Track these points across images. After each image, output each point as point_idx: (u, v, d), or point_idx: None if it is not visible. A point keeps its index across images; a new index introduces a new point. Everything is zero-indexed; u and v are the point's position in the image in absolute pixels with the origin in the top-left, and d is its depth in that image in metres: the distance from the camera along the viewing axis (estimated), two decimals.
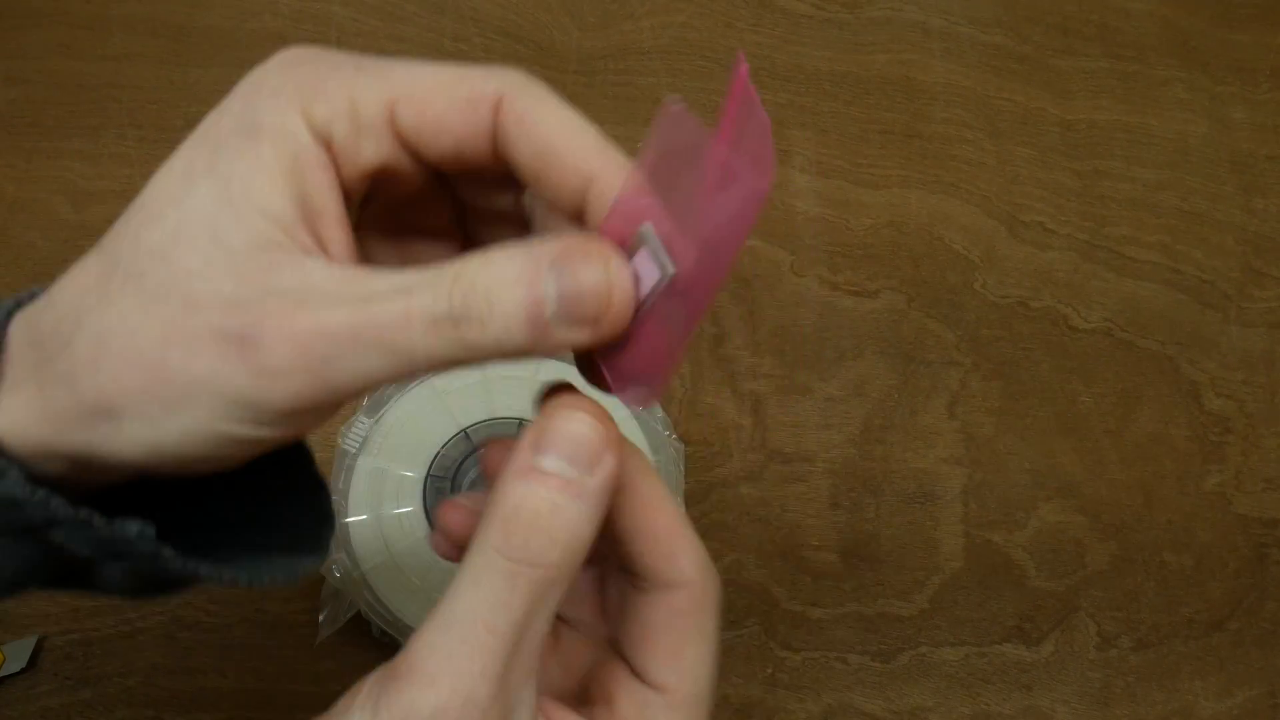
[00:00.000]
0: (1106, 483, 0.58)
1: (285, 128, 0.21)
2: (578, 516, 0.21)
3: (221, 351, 0.20)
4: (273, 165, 0.21)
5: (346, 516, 0.51)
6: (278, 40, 0.67)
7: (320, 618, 0.49)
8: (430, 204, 0.26)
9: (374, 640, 0.49)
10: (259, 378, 0.20)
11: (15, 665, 0.48)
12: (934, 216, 0.65)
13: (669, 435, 0.55)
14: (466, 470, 0.53)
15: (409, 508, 0.51)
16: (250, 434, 0.21)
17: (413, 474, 0.52)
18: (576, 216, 0.23)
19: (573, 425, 0.21)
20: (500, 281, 0.20)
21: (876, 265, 0.63)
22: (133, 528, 0.22)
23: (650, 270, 0.21)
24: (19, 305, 0.23)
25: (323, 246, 0.21)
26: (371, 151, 0.22)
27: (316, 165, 0.21)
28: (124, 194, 0.61)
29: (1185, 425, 0.60)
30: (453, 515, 0.26)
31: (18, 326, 0.22)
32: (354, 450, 0.52)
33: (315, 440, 0.55)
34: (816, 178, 0.66)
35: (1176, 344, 0.62)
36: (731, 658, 0.52)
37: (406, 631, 0.48)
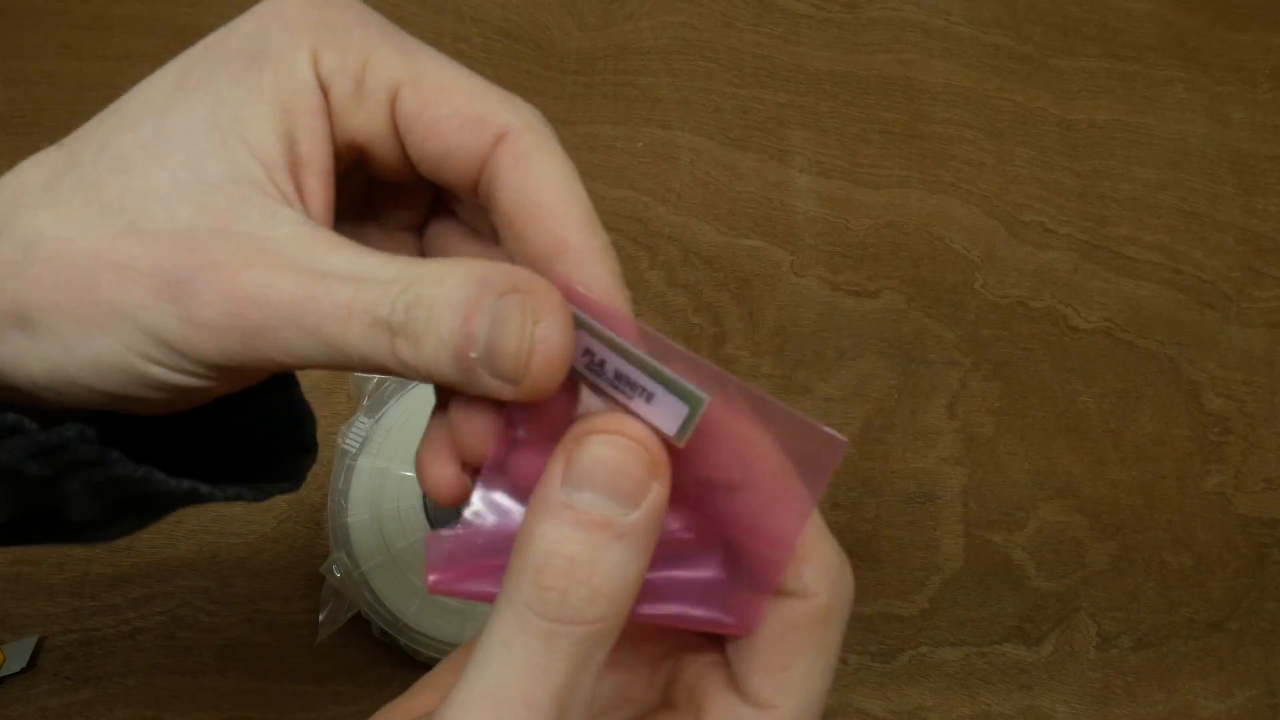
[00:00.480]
0: (1106, 483, 0.58)
1: (291, 62, 0.19)
2: (623, 561, 0.17)
3: (155, 288, 0.18)
4: (271, 98, 0.19)
5: (346, 516, 0.51)
6: None
7: (320, 618, 0.49)
8: (400, 198, 0.24)
9: (374, 640, 0.49)
10: (186, 326, 0.18)
11: (15, 665, 0.48)
12: (934, 216, 0.65)
13: None
14: None
15: (409, 508, 0.51)
16: (166, 379, 0.19)
17: (412, 474, 0.52)
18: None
19: (610, 451, 0.18)
20: (444, 304, 0.18)
21: (876, 265, 0.63)
22: (70, 429, 0.20)
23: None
24: None
25: (302, 198, 0.20)
26: (361, 121, 0.20)
27: (314, 111, 0.20)
28: None
29: (1185, 425, 0.60)
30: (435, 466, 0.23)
31: None
32: (354, 450, 0.52)
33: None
34: (816, 178, 0.66)
35: (1176, 344, 0.62)
36: None
37: (406, 632, 0.48)
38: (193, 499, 0.23)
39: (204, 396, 0.21)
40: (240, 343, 0.18)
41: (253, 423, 0.25)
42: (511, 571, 0.18)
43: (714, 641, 0.22)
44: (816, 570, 0.20)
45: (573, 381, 0.19)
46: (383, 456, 0.52)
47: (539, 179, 0.20)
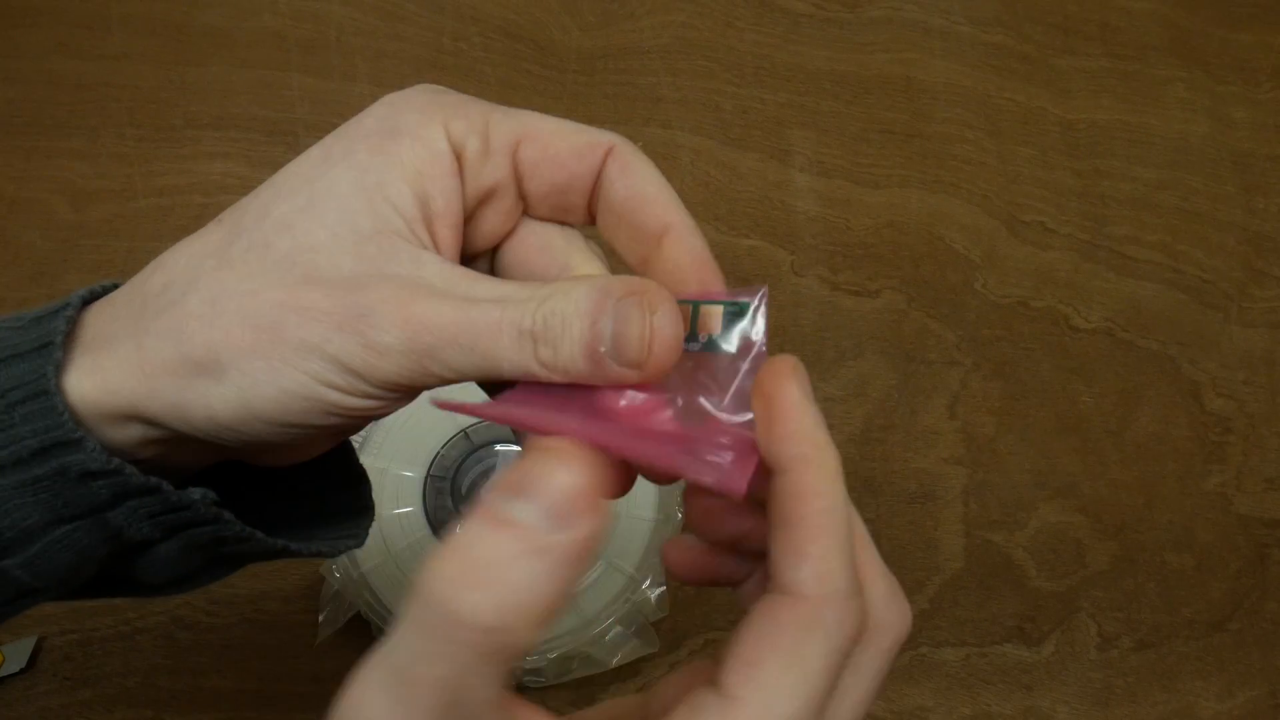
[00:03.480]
0: (1107, 483, 0.58)
1: (426, 134, 0.23)
2: (533, 578, 0.17)
3: (338, 324, 0.22)
4: (408, 164, 0.23)
5: None
6: (277, 39, 0.67)
7: (320, 618, 0.49)
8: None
9: (374, 640, 0.49)
10: (368, 351, 0.22)
11: (15, 665, 0.48)
12: (934, 216, 0.65)
13: None
14: (466, 470, 0.52)
15: (409, 508, 0.51)
16: (343, 403, 0.22)
17: (412, 474, 0.52)
18: (641, 264, 0.25)
19: (557, 472, 0.18)
20: (574, 313, 0.22)
21: (876, 265, 0.63)
22: (196, 493, 0.24)
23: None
24: (94, 294, 0.25)
25: (436, 245, 0.23)
26: (492, 173, 0.24)
27: (447, 172, 0.23)
28: (123, 193, 0.61)
29: (1186, 425, 0.60)
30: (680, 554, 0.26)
31: (119, 293, 0.24)
32: (354, 450, 0.52)
33: None
34: (816, 177, 0.66)
35: (1177, 344, 0.62)
36: None
37: None
38: (283, 555, 0.27)
39: (359, 425, 0.24)
40: (412, 363, 0.22)
41: (320, 485, 0.29)
42: (434, 553, 0.18)
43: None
44: (816, 571, 0.20)
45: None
46: (383, 456, 0.52)
47: (642, 178, 0.24)
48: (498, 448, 0.53)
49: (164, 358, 0.22)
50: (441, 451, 0.52)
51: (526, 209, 0.26)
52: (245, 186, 0.62)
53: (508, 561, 0.17)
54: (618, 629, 0.49)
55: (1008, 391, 0.60)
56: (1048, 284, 0.63)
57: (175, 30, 0.67)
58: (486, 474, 0.53)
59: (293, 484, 0.29)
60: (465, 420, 0.53)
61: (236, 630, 0.51)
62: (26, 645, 0.49)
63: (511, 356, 0.22)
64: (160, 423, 0.23)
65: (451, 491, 0.51)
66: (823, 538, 0.20)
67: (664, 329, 0.21)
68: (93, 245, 0.59)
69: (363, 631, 0.50)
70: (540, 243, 0.26)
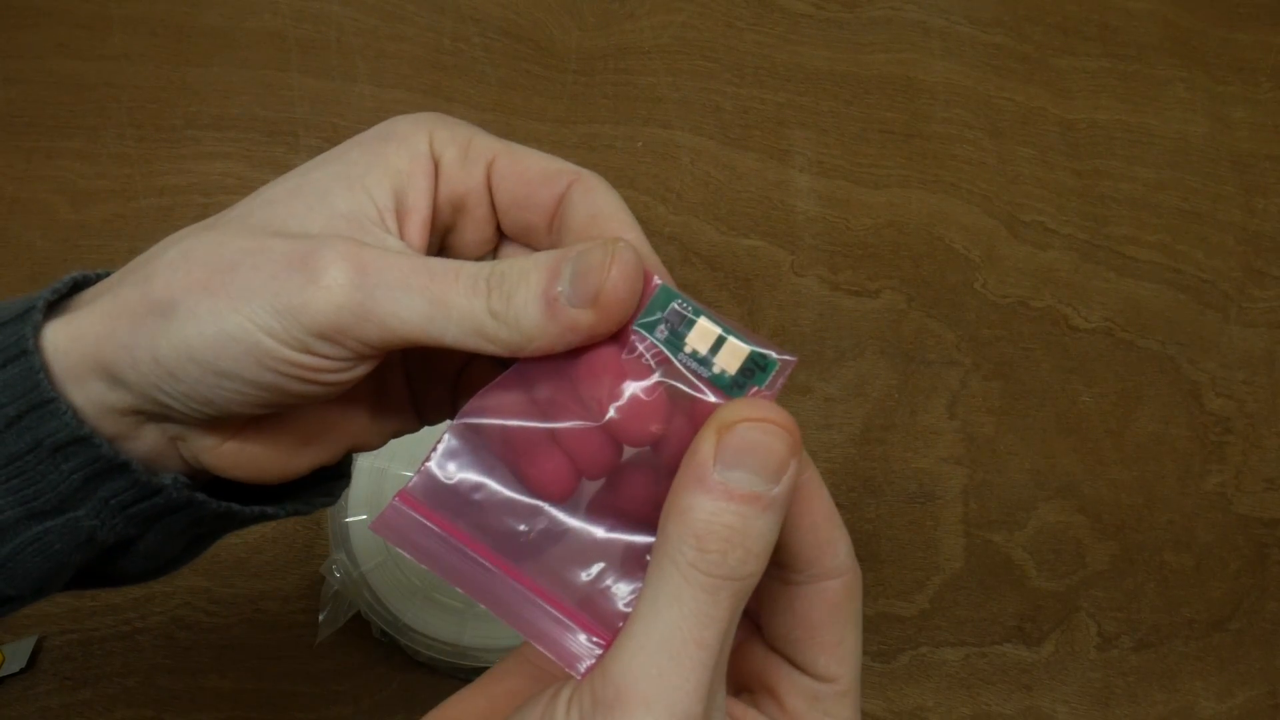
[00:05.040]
0: (1107, 483, 0.58)
1: (411, 139, 0.25)
2: (770, 527, 0.21)
3: (288, 263, 0.22)
4: (391, 163, 0.25)
5: (346, 516, 0.51)
6: (277, 39, 0.67)
7: (320, 618, 0.49)
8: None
9: (374, 640, 0.49)
10: (306, 288, 0.22)
11: (15, 665, 0.48)
12: (934, 216, 0.65)
13: None
14: None
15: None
16: (277, 352, 0.23)
17: (412, 474, 0.52)
18: None
19: (758, 435, 0.21)
20: (532, 263, 0.23)
21: (876, 265, 0.63)
22: (166, 477, 0.25)
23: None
24: (87, 279, 0.26)
25: (403, 235, 0.25)
26: (465, 180, 0.26)
27: (423, 173, 0.25)
28: (123, 193, 0.61)
29: (1186, 425, 0.60)
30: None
31: (116, 272, 0.25)
32: None
33: None
34: (816, 177, 0.66)
35: (1177, 344, 0.62)
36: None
37: (406, 632, 0.48)
38: (260, 520, 0.28)
39: (302, 396, 0.24)
40: (353, 301, 0.22)
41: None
42: (670, 538, 0.21)
43: (754, 634, 0.26)
44: (846, 549, 0.24)
45: (615, 369, 0.23)
46: (383, 456, 0.52)
47: (603, 202, 0.26)
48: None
49: (129, 301, 0.23)
50: None
51: (498, 228, 0.27)
52: (245, 186, 0.63)
53: (749, 522, 0.21)
54: None
55: (1008, 391, 0.60)
56: (1048, 284, 0.63)
57: (175, 30, 0.67)
58: None
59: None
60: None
61: (236, 630, 0.51)
62: (26, 645, 0.49)
63: (462, 303, 0.23)
64: (115, 371, 0.23)
65: None
66: (839, 522, 0.24)
67: (625, 262, 0.22)
68: (93, 245, 0.59)
69: (363, 631, 0.50)
70: None
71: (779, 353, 0.22)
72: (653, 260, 0.25)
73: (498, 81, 0.67)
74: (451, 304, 0.23)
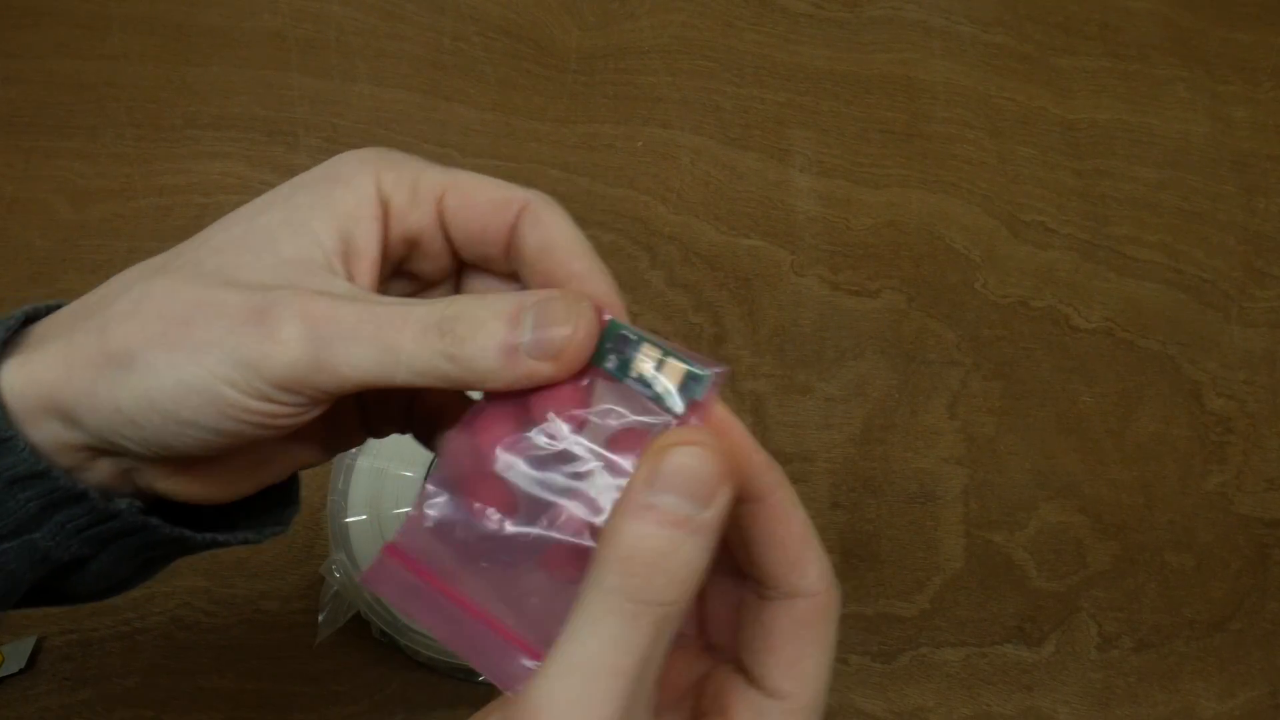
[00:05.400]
0: (1107, 483, 0.58)
1: (358, 181, 0.26)
2: (697, 552, 0.21)
3: (244, 318, 0.23)
4: (337, 206, 0.25)
5: (346, 517, 0.51)
6: (276, 39, 0.67)
7: (320, 618, 0.49)
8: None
9: (374, 640, 0.49)
10: (264, 343, 0.23)
11: (15, 665, 0.48)
12: (934, 216, 0.65)
13: None
14: None
15: (409, 508, 0.51)
16: (239, 402, 0.23)
17: (412, 474, 0.52)
18: None
19: (689, 460, 0.21)
20: (488, 311, 0.24)
21: (877, 265, 0.63)
22: (122, 502, 0.25)
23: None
24: (39, 312, 0.26)
25: (352, 278, 0.25)
26: (416, 219, 0.26)
27: (370, 217, 0.26)
28: (122, 193, 0.61)
29: (1186, 425, 0.60)
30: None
31: (64, 309, 0.26)
32: (354, 450, 0.52)
33: None
34: (816, 177, 0.66)
35: (1178, 344, 0.62)
36: None
37: (406, 632, 0.48)
38: (212, 546, 0.28)
39: (265, 434, 0.24)
40: (309, 353, 0.23)
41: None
42: (599, 561, 0.21)
43: (720, 661, 0.26)
44: (820, 570, 0.24)
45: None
46: (383, 456, 0.52)
47: (554, 229, 0.26)
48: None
49: (87, 351, 0.24)
50: None
51: (456, 256, 0.28)
52: (244, 186, 0.63)
53: (677, 545, 0.21)
54: None
55: (1008, 391, 0.60)
56: (1048, 284, 0.63)
57: (175, 30, 0.67)
58: None
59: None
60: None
61: (236, 630, 0.51)
62: (26, 645, 0.49)
63: (411, 348, 0.23)
64: (74, 415, 0.24)
65: None
66: (813, 543, 0.24)
67: (588, 320, 0.24)
68: (93, 245, 0.59)
69: (363, 631, 0.50)
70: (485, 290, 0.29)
71: (710, 366, 0.23)
72: (605, 285, 0.26)
73: (497, 81, 0.67)
74: (401, 349, 0.23)
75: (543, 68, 0.68)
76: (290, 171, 0.61)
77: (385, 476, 0.52)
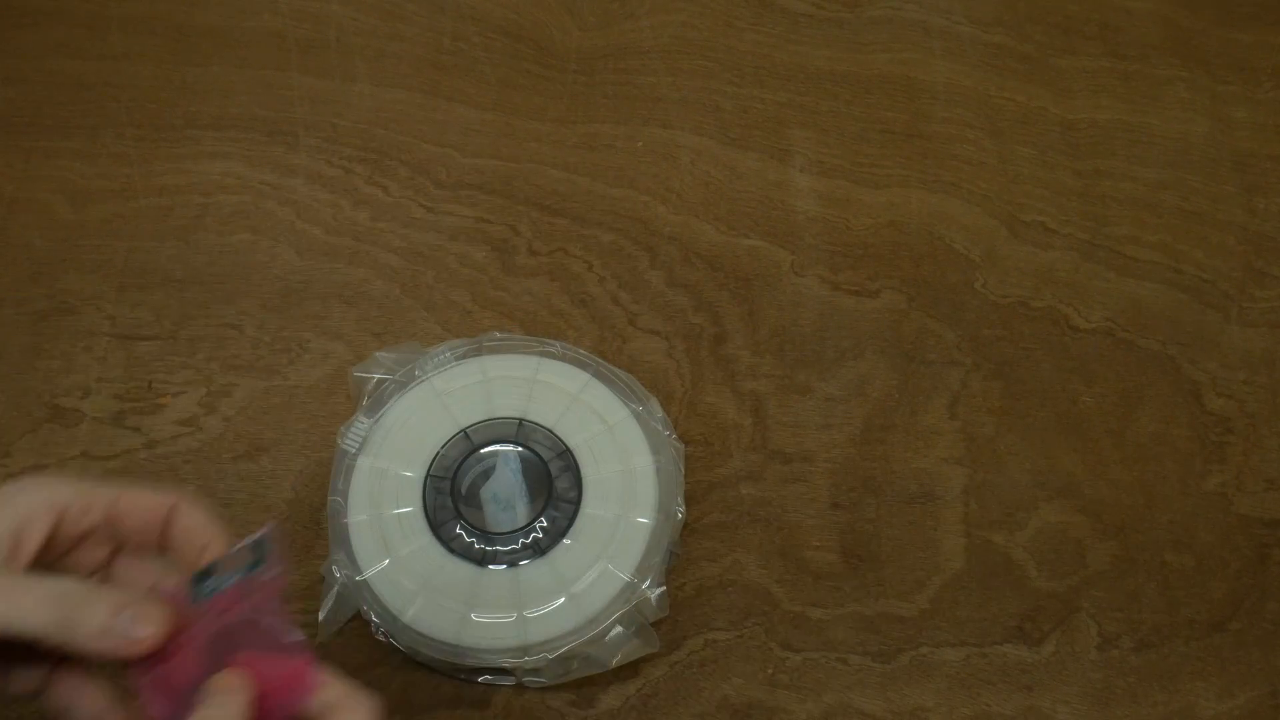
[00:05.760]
0: (1107, 483, 0.58)
1: (31, 502, 0.33)
2: None
3: None
4: (10, 517, 0.33)
5: (346, 517, 0.51)
6: (277, 39, 0.67)
7: (320, 618, 0.49)
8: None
9: (374, 640, 0.49)
10: None
11: None
12: (934, 216, 0.65)
13: (669, 435, 0.55)
14: (466, 470, 0.52)
15: (409, 508, 0.51)
16: None
17: (412, 474, 0.52)
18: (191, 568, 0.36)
19: (213, 712, 0.30)
20: (105, 602, 0.31)
21: (877, 265, 0.63)
22: None
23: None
24: None
25: (11, 560, 0.33)
26: (91, 520, 0.35)
27: (42, 525, 0.33)
28: (122, 193, 0.61)
29: (1186, 425, 0.60)
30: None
31: None
32: (354, 450, 0.52)
33: (316, 438, 0.55)
34: (817, 177, 0.66)
35: (1178, 344, 0.62)
36: (732, 658, 0.52)
37: (406, 632, 0.48)
38: None
39: None
40: None
41: None
42: None
43: None
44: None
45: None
46: (383, 457, 0.52)
47: (193, 518, 0.36)
48: (498, 448, 0.53)
49: None
50: (441, 451, 0.52)
51: (123, 545, 0.37)
52: (244, 186, 0.63)
53: None
54: (618, 629, 0.49)
55: (1008, 391, 0.60)
56: (1048, 284, 0.63)
57: (175, 30, 0.67)
58: (486, 474, 0.53)
59: None
60: (465, 420, 0.53)
61: None
62: None
63: (39, 614, 0.30)
64: None
65: (451, 491, 0.51)
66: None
67: (168, 612, 0.32)
68: (92, 245, 0.59)
69: (363, 631, 0.50)
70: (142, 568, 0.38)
71: (258, 535, 0.33)
72: (215, 528, 0.35)
73: (497, 81, 0.67)
74: (25, 612, 0.30)
75: (543, 68, 0.68)
76: (290, 171, 0.61)
77: (385, 476, 0.52)
